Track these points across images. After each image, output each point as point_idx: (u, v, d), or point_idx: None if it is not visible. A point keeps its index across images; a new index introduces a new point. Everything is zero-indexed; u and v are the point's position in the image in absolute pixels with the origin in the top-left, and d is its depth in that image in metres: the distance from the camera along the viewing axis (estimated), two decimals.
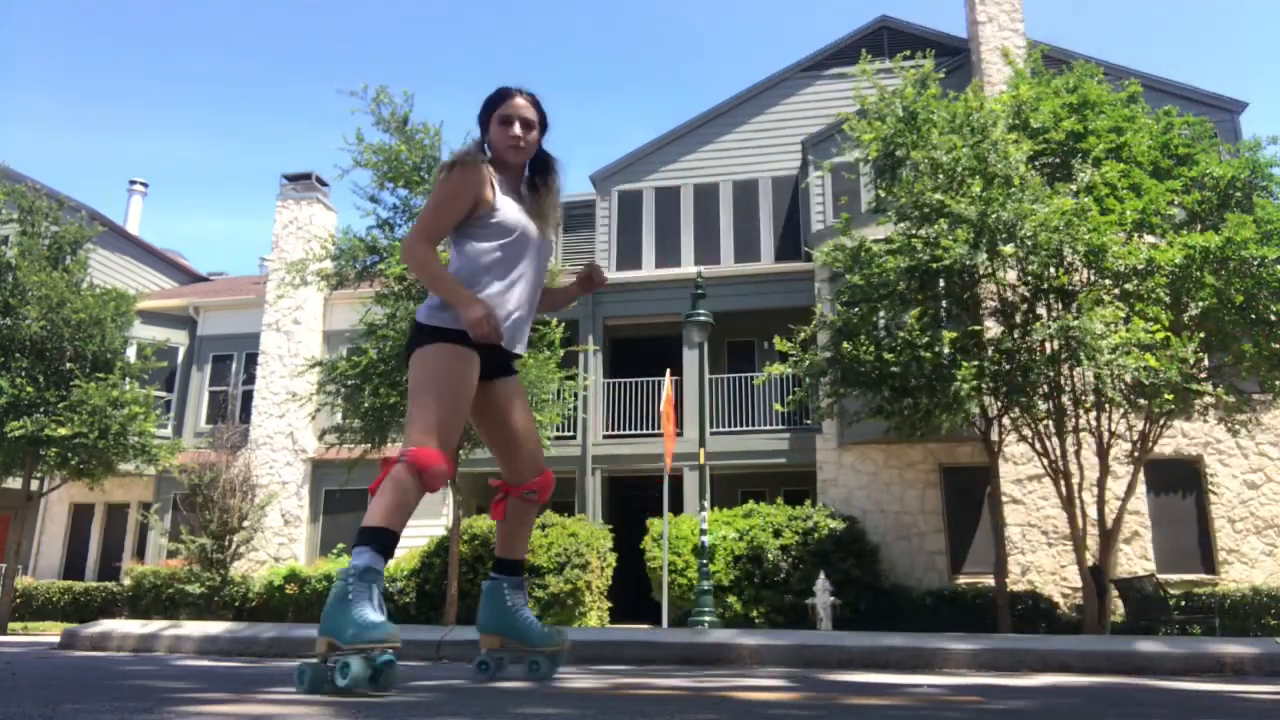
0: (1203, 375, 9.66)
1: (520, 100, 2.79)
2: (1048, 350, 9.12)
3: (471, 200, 2.67)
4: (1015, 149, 9.01)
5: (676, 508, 13.84)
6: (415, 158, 10.53)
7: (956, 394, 8.79)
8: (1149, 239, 9.42)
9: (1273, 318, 8.90)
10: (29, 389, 12.60)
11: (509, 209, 2.73)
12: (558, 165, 2.92)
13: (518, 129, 2.76)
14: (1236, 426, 10.19)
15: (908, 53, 10.47)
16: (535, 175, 2.88)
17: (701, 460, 11.37)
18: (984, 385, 9.32)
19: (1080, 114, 9.79)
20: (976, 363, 8.94)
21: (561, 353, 11.04)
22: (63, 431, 12.36)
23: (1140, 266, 8.83)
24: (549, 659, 2.90)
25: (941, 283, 9.47)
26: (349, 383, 10.33)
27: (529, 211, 2.79)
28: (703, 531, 10.54)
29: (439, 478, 2.55)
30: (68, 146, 75.52)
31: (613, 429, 15.82)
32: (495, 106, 2.79)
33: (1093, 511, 10.44)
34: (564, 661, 2.85)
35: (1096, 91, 9.89)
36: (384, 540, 2.49)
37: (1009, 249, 8.68)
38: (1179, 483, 13.07)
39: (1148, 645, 4.32)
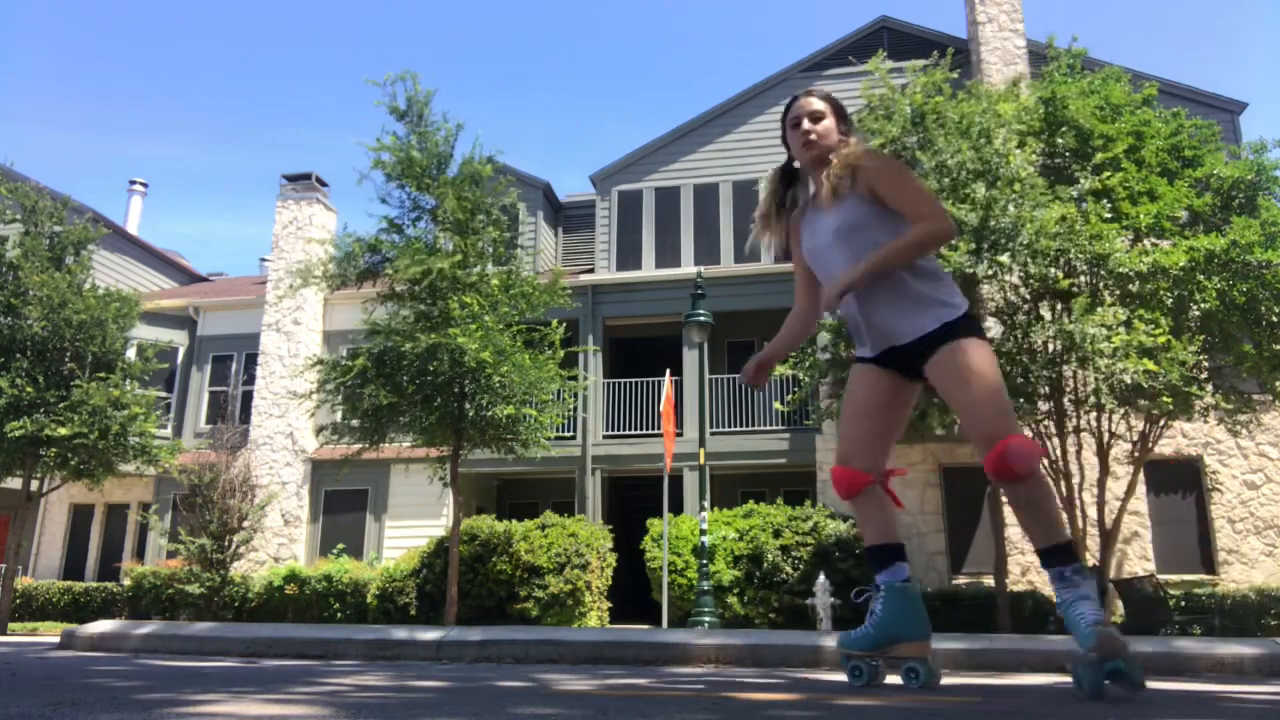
0: (1203, 377, 9.66)
1: (803, 99, 2.83)
2: (1048, 350, 9.13)
3: (781, 250, 3.02)
4: (1017, 155, 9.00)
5: (676, 508, 13.84)
6: (426, 160, 10.49)
7: None
8: (1151, 241, 9.43)
9: (1274, 319, 8.90)
10: (29, 389, 12.58)
11: (796, 245, 2.92)
12: (846, 141, 2.84)
13: (805, 124, 2.77)
14: (1237, 427, 10.19)
15: (934, 56, 10.45)
16: None
17: (701, 460, 11.36)
18: None
19: (1107, 117, 9.78)
20: None
21: (562, 353, 11.04)
22: (63, 432, 12.35)
23: (1144, 271, 8.83)
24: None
25: None
26: (348, 383, 10.33)
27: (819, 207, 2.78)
28: (703, 532, 10.54)
29: (836, 487, 2.81)
30: (68, 146, 75.54)
31: (613, 429, 15.82)
32: (785, 118, 2.85)
33: (1093, 512, 10.44)
34: (1120, 668, 2.49)
35: (1120, 94, 9.89)
36: (867, 557, 2.73)
37: (1004, 259, 8.68)
38: (1179, 483, 13.06)
39: (1148, 646, 4.31)
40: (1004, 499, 12.36)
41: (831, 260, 2.73)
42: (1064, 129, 9.67)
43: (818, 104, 2.79)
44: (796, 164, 2.88)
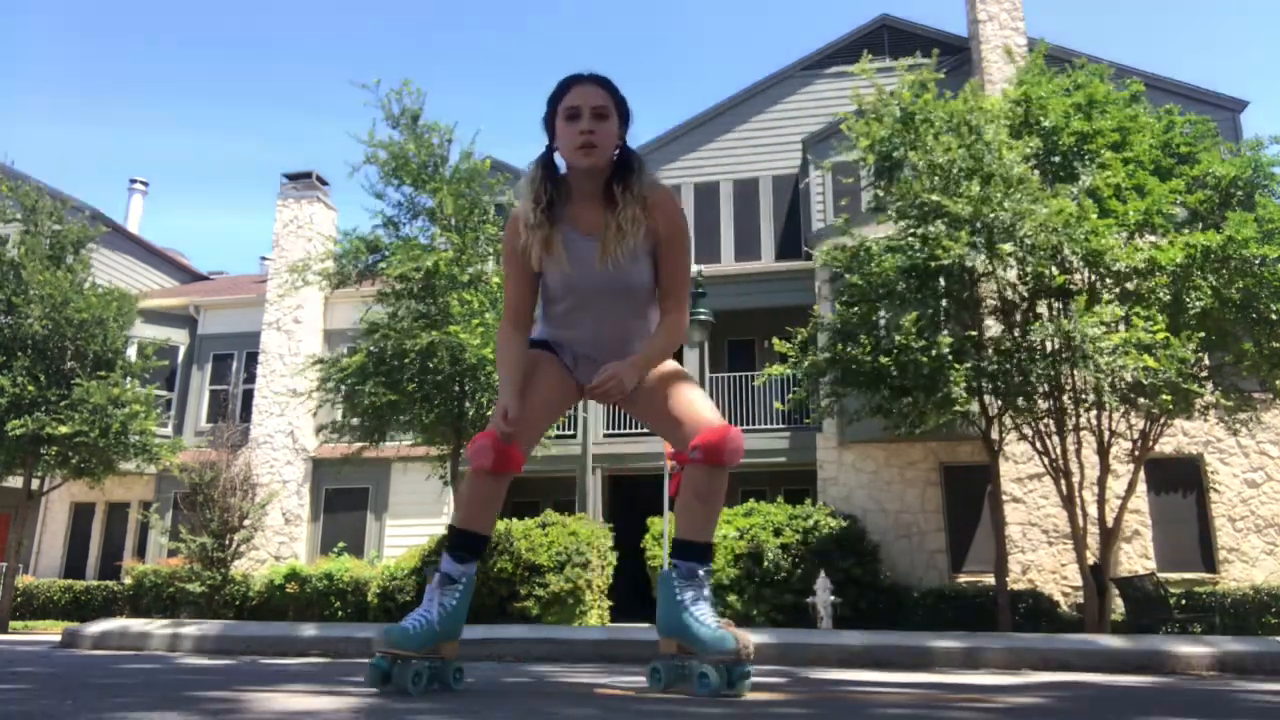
0: (1203, 374, 9.65)
1: (586, 87, 2.29)
2: (1047, 349, 9.12)
3: (523, 257, 2.38)
4: (1008, 150, 8.99)
5: None
6: (424, 156, 10.54)
7: (949, 395, 8.82)
8: (1150, 238, 9.42)
9: (1273, 316, 8.89)
10: (30, 388, 12.60)
11: (553, 264, 2.36)
12: (639, 165, 2.36)
13: (586, 121, 2.25)
14: (1236, 426, 10.19)
15: (915, 57, 10.44)
16: (614, 179, 2.32)
17: None
18: (983, 385, 9.32)
19: (1087, 114, 9.78)
20: (971, 364, 8.95)
21: None
22: (63, 430, 12.36)
23: (1140, 267, 8.82)
24: (722, 670, 2.28)
25: (942, 282, 9.47)
26: (348, 382, 10.34)
27: (599, 233, 2.32)
28: None
29: (482, 454, 2.28)
30: (67, 143, 75.55)
31: (613, 428, 15.81)
32: (558, 101, 2.30)
33: (1093, 510, 10.44)
34: (749, 673, 2.32)
35: (1103, 91, 9.88)
36: (455, 539, 2.42)
37: (1008, 248, 8.68)
38: (1179, 481, 13.06)
39: (1148, 644, 4.32)
40: (1005, 498, 12.35)
41: (596, 309, 2.43)
42: (1034, 129, 9.68)
43: (601, 97, 2.28)
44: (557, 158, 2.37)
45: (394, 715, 1.85)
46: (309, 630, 5.41)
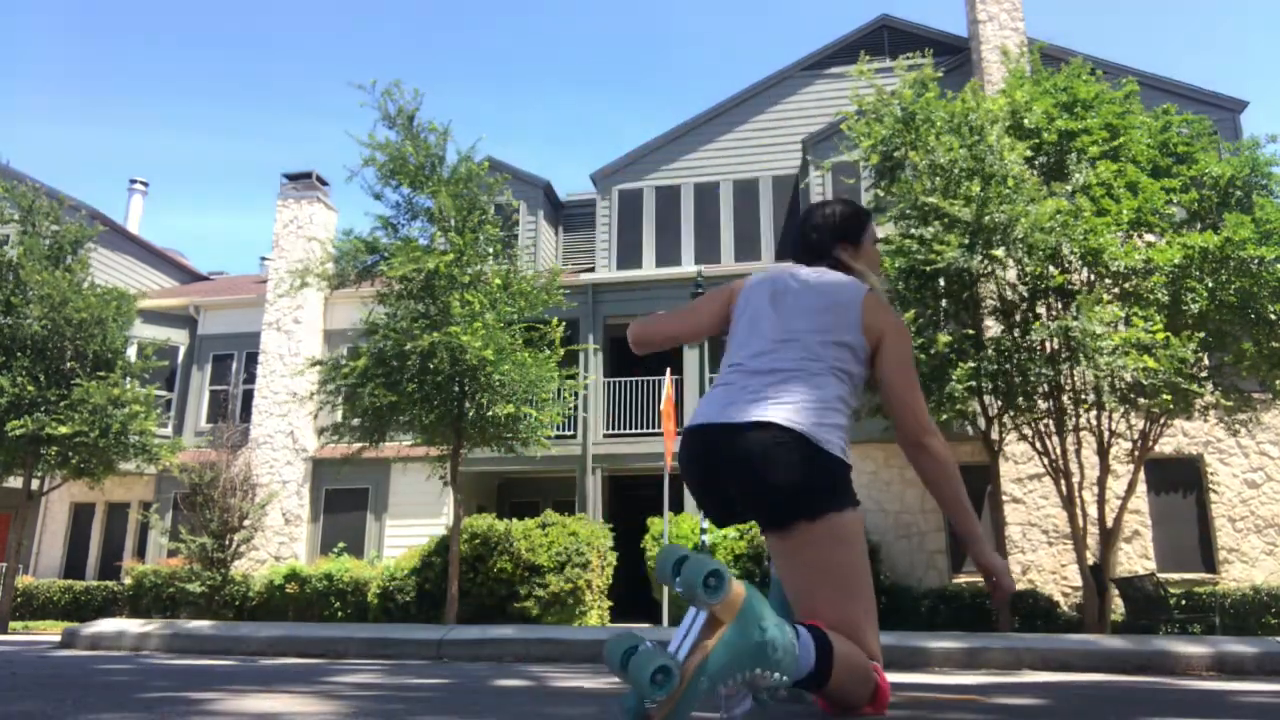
0: (1203, 374, 9.65)
1: None
2: (1047, 349, 9.13)
3: None
4: (1010, 151, 9.00)
5: (677, 507, 13.84)
6: (420, 158, 10.54)
7: (951, 394, 8.82)
8: (1149, 238, 9.42)
9: (1272, 316, 8.88)
10: (30, 388, 12.59)
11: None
12: None
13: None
14: (1236, 426, 10.19)
15: (914, 56, 10.43)
16: None
17: None
18: (983, 385, 9.32)
19: (1073, 113, 9.77)
20: (973, 364, 8.95)
21: (562, 352, 11.04)
22: (63, 430, 12.35)
23: (1138, 267, 8.82)
24: None
25: (941, 282, 9.47)
26: (348, 383, 10.34)
27: None
28: (703, 530, 10.54)
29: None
30: (67, 143, 75.58)
31: (613, 428, 15.81)
32: (871, 223, 2.49)
33: (1093, 510, 10.44)
34: None
35: (1087, 90, 9.88)
36: (823, 667, 1.74)
37: (999, 252, 8.68)
38: (1179, 482, 13.06)
39: (1148, 644, 4.32)
40: (1004, 498, 12.36)
41: None
42: (1019, 131, 9.69)
43: None
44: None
45: (391, 716, 1.85)
46: (308, 630, 5.41)
